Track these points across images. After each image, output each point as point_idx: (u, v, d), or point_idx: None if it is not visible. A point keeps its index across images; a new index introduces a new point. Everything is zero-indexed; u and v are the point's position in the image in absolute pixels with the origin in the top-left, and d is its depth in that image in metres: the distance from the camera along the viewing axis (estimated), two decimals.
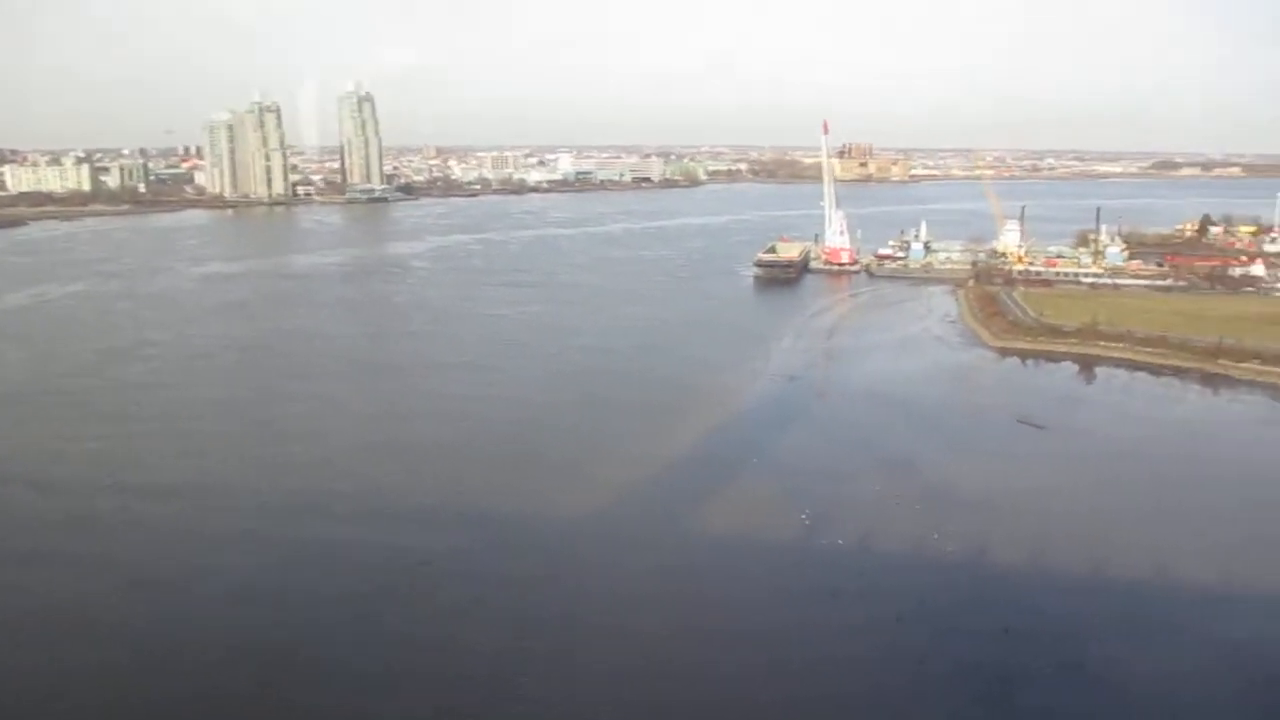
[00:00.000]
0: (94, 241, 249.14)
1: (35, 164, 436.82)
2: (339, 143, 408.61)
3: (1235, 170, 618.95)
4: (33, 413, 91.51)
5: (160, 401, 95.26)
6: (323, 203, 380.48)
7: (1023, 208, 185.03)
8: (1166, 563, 59.34)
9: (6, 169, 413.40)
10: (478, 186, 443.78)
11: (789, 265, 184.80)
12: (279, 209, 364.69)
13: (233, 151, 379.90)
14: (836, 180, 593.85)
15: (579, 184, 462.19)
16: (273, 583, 56.49)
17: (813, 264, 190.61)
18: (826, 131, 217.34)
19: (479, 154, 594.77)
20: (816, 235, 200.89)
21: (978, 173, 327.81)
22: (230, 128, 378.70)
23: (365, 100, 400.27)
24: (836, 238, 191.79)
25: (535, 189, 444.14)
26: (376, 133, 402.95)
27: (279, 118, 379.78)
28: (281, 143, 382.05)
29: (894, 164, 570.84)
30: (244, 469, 75.78)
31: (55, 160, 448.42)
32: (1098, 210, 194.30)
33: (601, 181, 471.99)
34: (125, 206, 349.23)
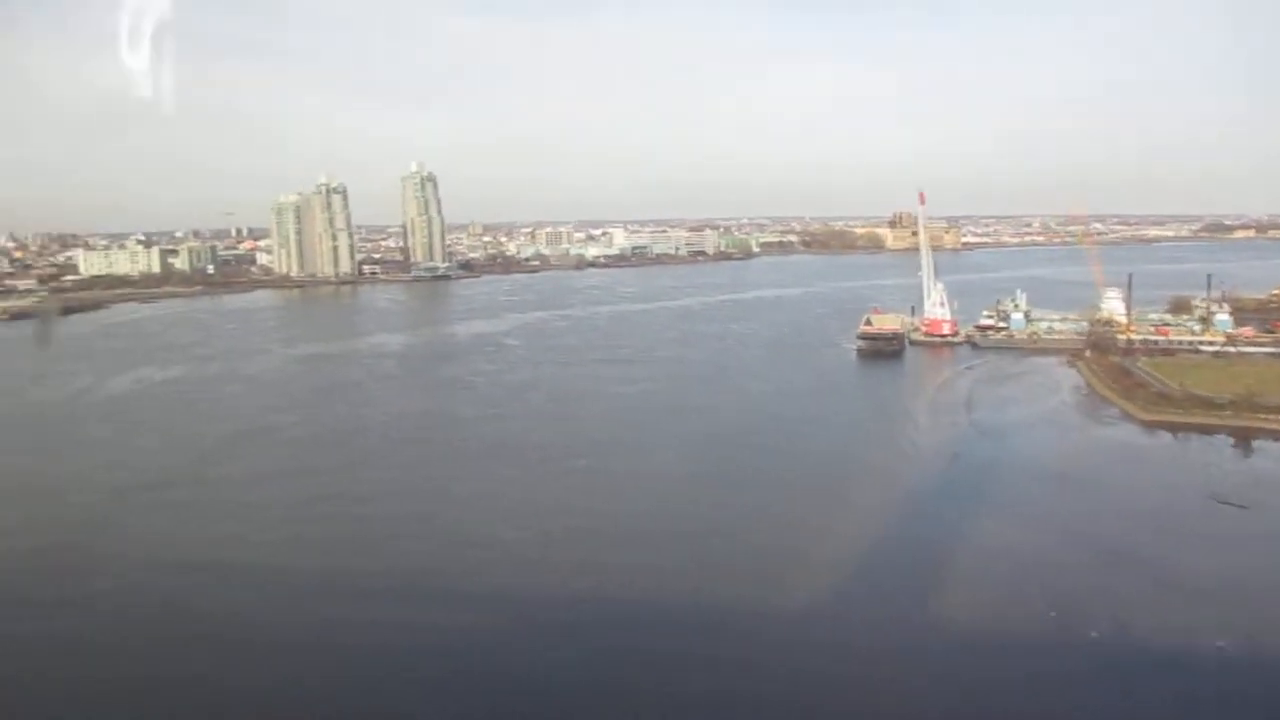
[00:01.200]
0: (178, 324, 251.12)
1: (106, 248, 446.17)
2: (401, 222, 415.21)
3: None
4: (188, 501, 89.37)
5: (313, 489, 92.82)
6: (387, 281, 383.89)
7: (1130, 276, 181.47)
8: None
9: (79, 253, 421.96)
10: (536, 263, 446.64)
11: (892, 337, 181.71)
12: (345, 288, 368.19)
13: (299, 232, 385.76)
14: (888, 250, 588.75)
15: (636, 258, 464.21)
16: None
17: (912, 336, 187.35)
18: (923, 202, 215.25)
19: (523, 230, 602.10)
20: (913, 307, 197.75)
21: (1078, 237, 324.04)
22: (297, 208, 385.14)
23: (428, 180, 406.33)
24: (937, 309, 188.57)
25: (594, 264, 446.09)
26: (439, 212, 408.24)
27: (345, 198, 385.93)
28: (348, 223, 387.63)
29: (946, 232, 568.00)
30: (449, 553, 73.25)
31: (119, 244, 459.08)
32: (1209, 277, 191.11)
33: (658, 255, 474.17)
34: (197, 288, 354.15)
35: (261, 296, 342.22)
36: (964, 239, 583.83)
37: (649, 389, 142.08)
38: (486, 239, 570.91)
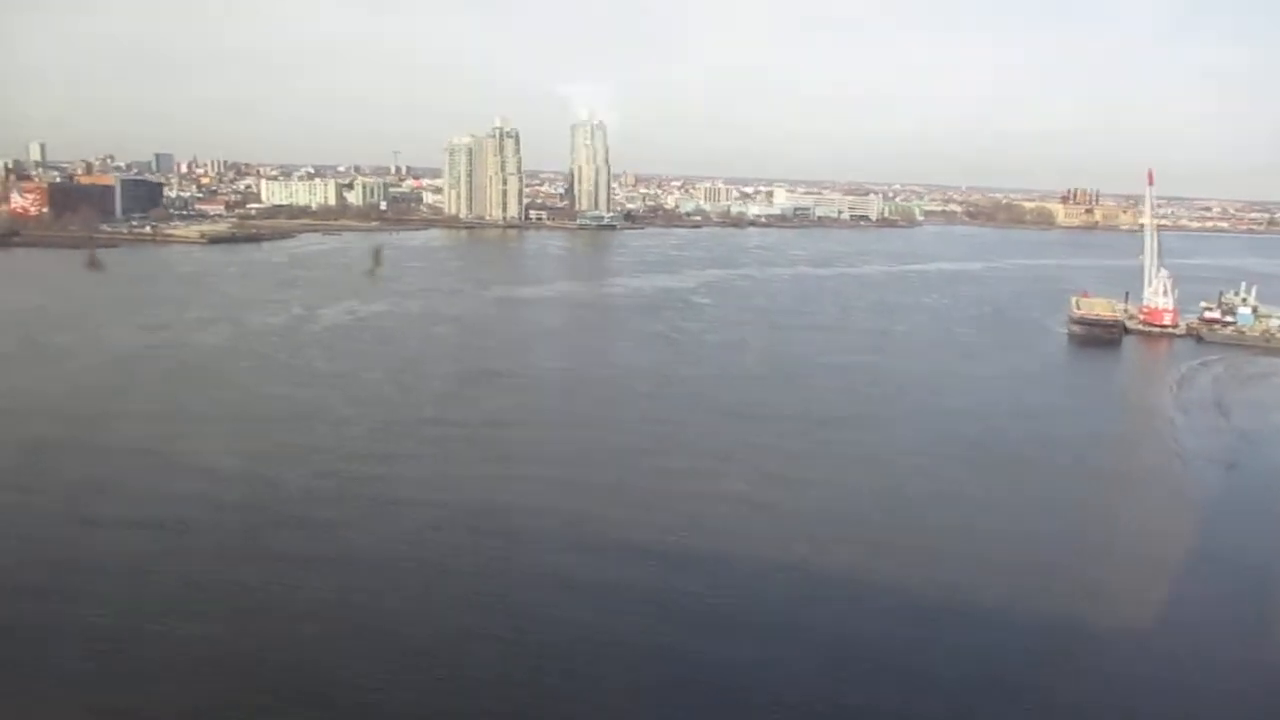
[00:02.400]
0: (364, 257, 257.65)
1: (274, 178, 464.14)
2: (568, 169, 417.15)
3: None
4: (433, 448, 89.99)
5: (558, 440, 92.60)
6: (552, 227, 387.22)
7: None
8: None
9: (259, 182, 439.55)
10: (698, 218, 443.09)
11: (1112, 325, 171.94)
12: (512, 232, 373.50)
13: (470, 174, 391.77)
14: (1059, 227, 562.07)
15: (797, 219, 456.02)
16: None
17: (1127, 324, 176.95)
18: (1151, 182, 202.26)
19: (673, 183, 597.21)
20: (1127, 293, 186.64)
21: None
22: (470, 150, 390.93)
23: (598, 129, 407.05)
24: (1159, 297, 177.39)
25: (754, 223, 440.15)
26: (606, 161, 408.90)
27: (518, 143, 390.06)
28: (519, 167, 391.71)
29: (1123, 211, 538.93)
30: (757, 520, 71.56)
31: (286, 175, 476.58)
32: None
33: (820, 218, 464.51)
34: (373, 223, 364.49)
35: (434, 235, 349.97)
36: (1140, 219, 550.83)
37: (867, 363, 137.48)
38: (643, 190, 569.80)
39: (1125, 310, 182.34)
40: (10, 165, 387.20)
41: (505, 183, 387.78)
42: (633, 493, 77.25)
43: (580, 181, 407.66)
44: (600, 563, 63.99)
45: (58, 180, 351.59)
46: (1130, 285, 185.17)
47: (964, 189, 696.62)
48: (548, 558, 64.81)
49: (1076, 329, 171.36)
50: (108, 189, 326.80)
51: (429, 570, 62.12)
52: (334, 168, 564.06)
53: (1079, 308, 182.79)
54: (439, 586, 60.15)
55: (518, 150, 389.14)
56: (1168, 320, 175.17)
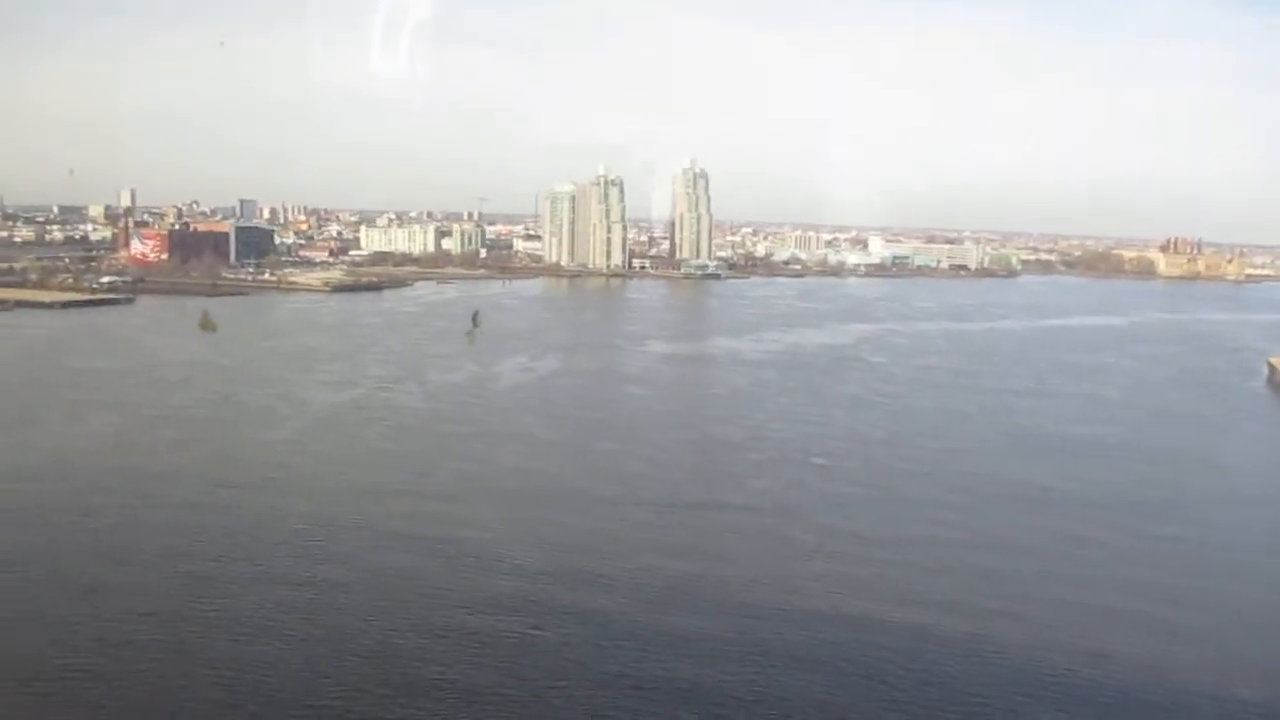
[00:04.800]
0: (498, 308, 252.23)
1: (369, 224, 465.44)
2: (670, 217, 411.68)
3: None
4: (740, 541, 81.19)
5: (854, 533, 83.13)
6: (656, 276, 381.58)
7: None
8: None
9: (363, 229, 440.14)
10: (797, 267, 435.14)
11: None
12: (615, 281, 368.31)
13: (573, 222, 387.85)
14: (1160, 277, 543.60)
15: (895, 269, 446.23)
16: None
17: None
18: None
19: (742, 229, 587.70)
20: None
21: None
22: (572, 198, 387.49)
23: (700, 177, 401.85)
24: None
25: (853, 272, 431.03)
26: (708, 209, 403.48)
27: (621, 191, 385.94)
28: (623, 215, 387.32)
29: (1228, 261, 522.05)
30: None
31: (373, 220, 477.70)
32: None
33: (918, 267, 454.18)
34: (481, 270, 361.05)
35: (543, 284, 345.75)
36: (1247, 270, 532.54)
37: (1105, 433, 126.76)
38: (730, 238, 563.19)
39: None
40: (129, 211, 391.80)
41: (609, 230, 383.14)
42: (1024, 611, 67.27)
43: (681, 230, 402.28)
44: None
45: (176, 227, 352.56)
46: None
47: (1035, 235, 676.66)
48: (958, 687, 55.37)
49: None
50: (223, 236, 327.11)
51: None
52: (406, 213, 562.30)
53: None
54: None
55: (621, 198, 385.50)
56: None
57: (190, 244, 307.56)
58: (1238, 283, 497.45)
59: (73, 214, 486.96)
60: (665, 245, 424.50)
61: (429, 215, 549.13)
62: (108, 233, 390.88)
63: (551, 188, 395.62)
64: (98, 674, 53.07)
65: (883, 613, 64.81)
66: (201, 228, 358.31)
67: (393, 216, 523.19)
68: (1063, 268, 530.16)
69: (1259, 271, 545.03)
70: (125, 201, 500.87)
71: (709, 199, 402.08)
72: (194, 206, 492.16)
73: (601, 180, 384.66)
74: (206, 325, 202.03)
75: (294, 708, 50.78)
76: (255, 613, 61.17)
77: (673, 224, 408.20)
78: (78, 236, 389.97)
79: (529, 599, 64.54)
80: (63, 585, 64.03)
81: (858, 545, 78.62)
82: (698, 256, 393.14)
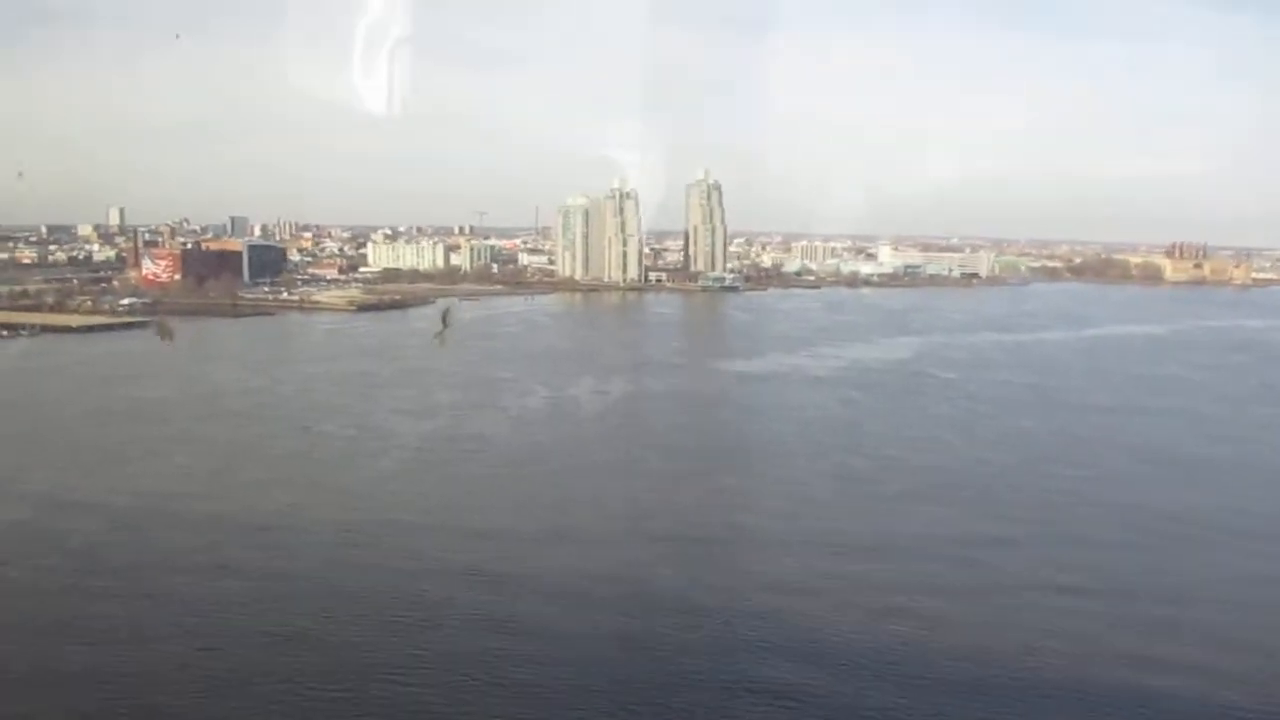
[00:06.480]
0: (530, 326, 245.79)
1: (383, 240, 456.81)
2: (684, 229, 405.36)
3: None
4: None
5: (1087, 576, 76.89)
6: (673, 289, 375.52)
7: None
8: None
9: (370, 245, 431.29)
10: (810, 278, 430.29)
11: None
12: (633, 295, 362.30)
13: (586, 235, 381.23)
14: (1166, 282, 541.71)
15: (908, 278, 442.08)
16: None
17: None
18: None
19: (767, 239, 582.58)
20: None
21: None
22: (586, 212, 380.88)
23: (714, 188, 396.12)
24: None
25: (867, 282, 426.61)
26: (723, 221, 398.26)
27: (637, 204, 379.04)
28: (639, 228, 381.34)
29: (1236, 266, 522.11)
30: None
31: (366, 236, 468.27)
32: None
33: (930, 276, 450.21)
34: (497, 286, 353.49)
35: (561, 299, 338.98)
36: (1253, 274, 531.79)
37: (1227, 454, 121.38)
38: (732, 249, 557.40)
39: None
40: (121, 229, 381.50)
41: (625, 244, 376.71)
42: None
43: (696, 242, 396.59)
44: None
45: (187, 246, 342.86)
46: None
47: (1023, 241, 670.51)
48: None
49: None
50: (235, 254, 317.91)
51: None
52: (395, 227, 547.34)
53: None
54: None
55: (637, 211, 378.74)
56: None
57: (204, 263, 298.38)
58: (1245, 287, 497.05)
59: (61, 232, 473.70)
60: (671, 257, 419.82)
61: (419, 230, 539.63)
62: (110, 253, 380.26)
63: (564, 201, 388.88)
64: None
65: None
66: (213, 246, 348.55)
67: (388, 232, 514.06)
68: (1069, 274, 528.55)
69: (1264, 275, 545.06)
70: (114, 220, 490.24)
71: (723, 210, 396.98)
72: (185, 224, 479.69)
73: (616, 193, 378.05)
74: (164, 333, 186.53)
75: None
76: None
77: (686, 236, 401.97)
78: (80, 257, 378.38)
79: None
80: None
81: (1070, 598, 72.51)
82: (713, 269, 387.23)
